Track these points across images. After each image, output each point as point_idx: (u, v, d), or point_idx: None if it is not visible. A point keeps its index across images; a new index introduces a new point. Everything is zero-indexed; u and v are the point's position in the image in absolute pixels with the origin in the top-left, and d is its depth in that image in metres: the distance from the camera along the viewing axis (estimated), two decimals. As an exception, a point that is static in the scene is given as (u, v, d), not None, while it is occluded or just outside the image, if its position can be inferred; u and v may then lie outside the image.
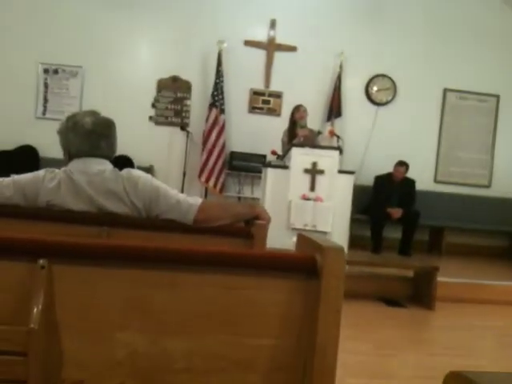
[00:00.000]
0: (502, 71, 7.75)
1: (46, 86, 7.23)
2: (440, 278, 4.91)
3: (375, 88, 7.67)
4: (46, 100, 7.23)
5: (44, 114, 7.19)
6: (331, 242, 1.21)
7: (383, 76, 7.64)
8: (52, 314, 1.12)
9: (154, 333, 1.19)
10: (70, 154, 2.01)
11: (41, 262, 1.11)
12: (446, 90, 7.75)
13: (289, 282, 1.22)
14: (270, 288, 1.23)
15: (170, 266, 1.20)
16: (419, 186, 7.05)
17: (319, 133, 6.33)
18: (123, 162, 6.55)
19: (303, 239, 1.33)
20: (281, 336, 1.24)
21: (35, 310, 1.07)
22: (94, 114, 2.05)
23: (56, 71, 7.23)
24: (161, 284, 1.19)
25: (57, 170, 1.97)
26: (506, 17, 7.71)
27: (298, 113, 6.11)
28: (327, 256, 1.16)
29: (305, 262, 1.20)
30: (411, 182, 6.95)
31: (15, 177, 1.98)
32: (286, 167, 5.53)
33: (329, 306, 1.18)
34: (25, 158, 6.86)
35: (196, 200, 2.00)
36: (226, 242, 1.96)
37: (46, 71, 7.21)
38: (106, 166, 2.01)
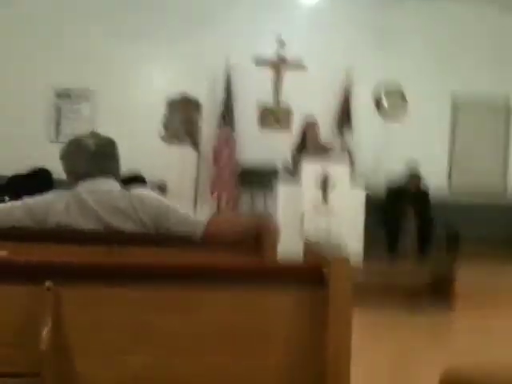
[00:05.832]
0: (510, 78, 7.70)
1: (58, 110, 7.31)
2: (459, 280, 4.88)
3: (385, 101, 7.65)
4: (58, 124, 7.30)
5: (57, 137, 7.26)
6: (337, 252, 1.20)
7: (393, 89, 7.62)
8: (61, 335, 1.11)
9: (164, 355, 1.17)
10: (77, 177, 2.01)
11: (46, 284, 1.11)
12: (455, 100, 7.71)
13: (296, 293, 1.21)
14: (278, 300, 1.21)
15: (178, 284, 1.19)
16: (433, 197, 6.97)
17: (330, 147, 6.31)
18: (138, 182, 6.56)
19: (309, 248, 1.31)
20: (289, 351, 1.22)
21: (44, 332, 1.07)
22: (95, 135, 2.06)
23: (68, 95, 7.32)
24: (170, 304, 1.18)
25: (65, 192, 1.98)
26: (507, 24, 7.70)
27: (311, 131, 6.07)
28: (333, 267, 1.15)
29: (312, 273, 1.19)
30: (425, 194, 6.88)
31: (25, 200, 2.00)
32: (297, 181, 5.51)
33: (338, 318, 1.16)
34: (39, 181, 6.90)
35: (204, 216, 2.01)
36: (235, 256, 1.94)
37: (58, 95, 7.30)
38: (114, 185, 2.01)
